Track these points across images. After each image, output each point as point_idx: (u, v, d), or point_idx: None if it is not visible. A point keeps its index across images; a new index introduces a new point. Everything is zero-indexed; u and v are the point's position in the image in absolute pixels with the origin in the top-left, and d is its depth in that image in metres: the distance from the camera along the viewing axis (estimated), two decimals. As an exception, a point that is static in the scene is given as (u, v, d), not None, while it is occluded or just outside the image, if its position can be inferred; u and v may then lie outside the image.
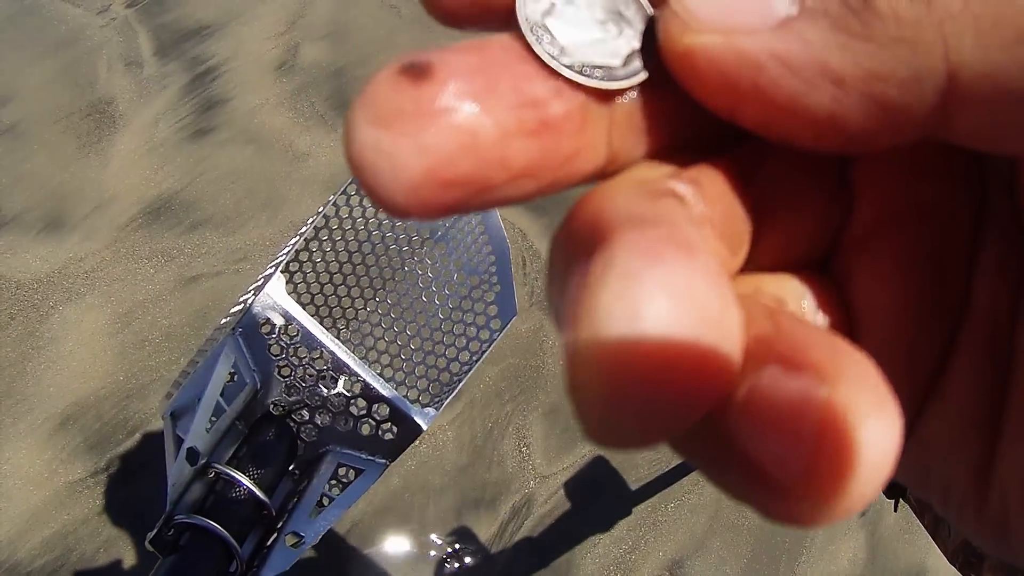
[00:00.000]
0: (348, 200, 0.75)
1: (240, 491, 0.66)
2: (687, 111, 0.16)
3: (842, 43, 0.13)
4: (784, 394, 0.13)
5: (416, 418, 0.72)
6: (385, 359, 0.75)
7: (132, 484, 1.64)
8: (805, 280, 0.18)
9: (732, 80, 0.14)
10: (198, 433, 0.65)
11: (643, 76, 0.16)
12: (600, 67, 0.15)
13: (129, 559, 1.58)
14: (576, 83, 0.15)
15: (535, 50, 0.15)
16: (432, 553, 1.70)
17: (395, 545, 1.69)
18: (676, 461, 1.88)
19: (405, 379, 0.74)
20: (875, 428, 0.12)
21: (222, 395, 0.68)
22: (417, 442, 1.73)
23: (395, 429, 0.72)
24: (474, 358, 0.73)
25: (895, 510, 1.52)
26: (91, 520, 1.60)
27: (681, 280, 0.12)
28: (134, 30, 2.13)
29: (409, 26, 2.25)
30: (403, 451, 0.72)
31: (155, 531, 0.62)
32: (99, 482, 1.63)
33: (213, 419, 0.67)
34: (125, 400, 1.70)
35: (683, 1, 0.15)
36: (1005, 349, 0.17)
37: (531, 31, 0.15)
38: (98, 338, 1.75)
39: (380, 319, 0.76)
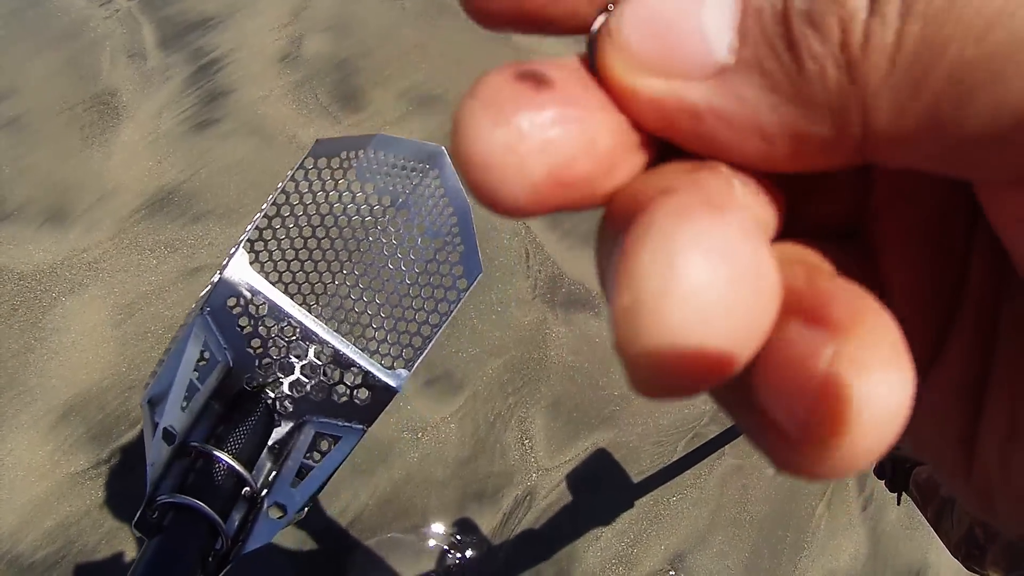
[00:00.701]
0: (307, 175, 0.76)
1: (220, 468, 0.66)
2: None
3: (772, 104, 0.15)
4: (796, 349, 0.13)
5: (388, 380, 0.72)
6: (356, 328, 0.75)
7: (134, 475, 1.64)
8: (838, 246, 0.18)
9: (672, 122, 0.16)
10: (172, 413, 0.65)
11: None
12: None
13: (131, 550, 1.58)
14: None
15: None
16: (434, 545, 1.70)
17: (398, 537, 1.69)
18: (678, 455, 1.89)
19: (378, 346, 0.75)
20: (880, 383, 0.13)
21: (197, 376, 0.69)
22: (418, 435, 1.73)
23: (369, 394, 0.72)
24: (443, 319, 0.74)
25: (898, 503, 1.52)
26: (93, 511, 1.60)
27: (714, 236, 0.13)
28: (137, 22, 2.13)
29: (413, 19, 2.25)
30: (379, 415, 0.72)
31: (138, 514, 0.62)
32: (101, 473, 1.64)
33: (188, 399, 0.67)
34: (127, 391, 1.70)
35: (623, 33, 0.16)
36: (991, 328, 0.18)
37: None
38: (101, 329, 1.75)
39: (348, 289, 0.76)
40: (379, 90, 2.12)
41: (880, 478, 1.52)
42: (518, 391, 1.85)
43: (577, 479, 1.81)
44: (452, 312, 0.73)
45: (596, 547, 1.78)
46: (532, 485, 1.79)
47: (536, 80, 0.15)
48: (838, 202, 0.19)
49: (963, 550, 1.17)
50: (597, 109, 0.15)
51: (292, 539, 1.65)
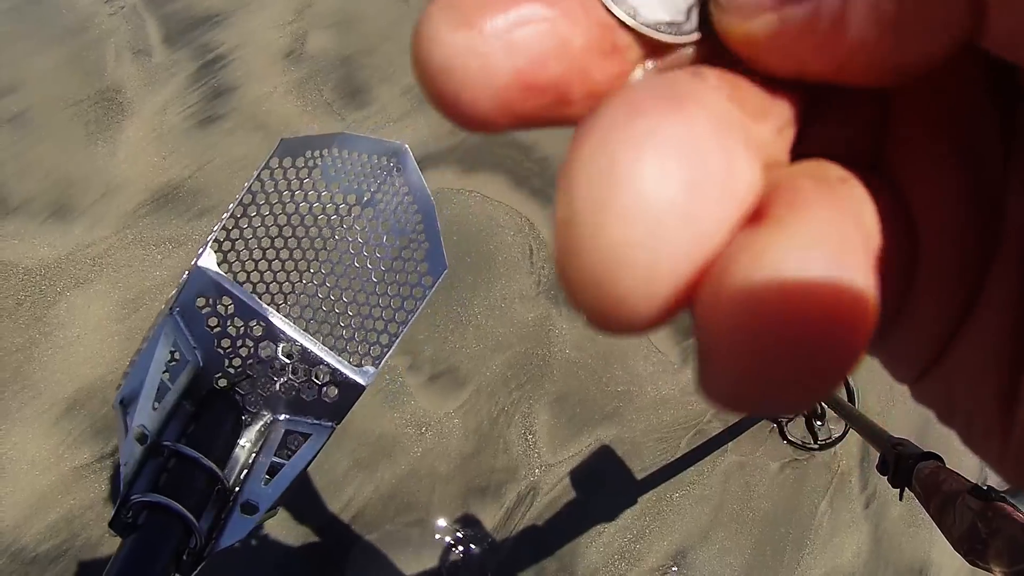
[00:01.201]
0: (272, 174, 0.76)
1: (193, 466, 0.67)
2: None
3: None
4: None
5: (355, 377, 0.73)
6: (325, 326, 0.76)
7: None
8: (864, 173, 0.17)
9: (792, 48, 0.15)
10: (144, 412, 0.66)
11: (697, 35, 0.16)
12: (670, 23, 0.16)
13: (134, 544, 1.58)
14: (650, 38, 0.16)
15: (613, 11, 0.15)
16: (437, 539, 1.70)
17: (401, 531, 1.69)
18: (681, 451, 1.89)
19: (346, 344, 0.76)
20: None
21: (168, 376, 0.69)
22: (422, 430, 1.73)
23: (337, 391, 0.73)
24: (410, 316, 0.75)
25: (900, 499, 1.52)
26: (96, 505, 1.61)
27: (670, 133, 0.12)
28: (142, 18, 2.13)
29: (417, 15, 2.24)
30: (347, 412, 0.74)
31: (113, 514, 0.62)
32: (105, 467, 1.64)
33: (160, 399, 0.68)
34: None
35: None
36: None
37: None
38: (105, 324, 1.75)
39: (316, 288, 0.77)
40: (383, 87, 2.12)
41: (883, 474, 1.52)
42: (522, 387, 1.85)
43: (580, 475, 1.81)
44: (418, 308, 0.74)
45: (599, 543, 1.78)
46: (535, 481, 1.79)
47: None
48: (857, 125, 0.18)
49: (965, 545, 1.17)
50: (570, 7, 0.14)
51: (295, 533, 1.65)
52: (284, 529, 1.64)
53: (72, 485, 1.61)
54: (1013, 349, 0.17)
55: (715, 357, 0.12)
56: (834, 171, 0.16)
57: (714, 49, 0.16)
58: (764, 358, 0.12)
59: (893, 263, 0.16)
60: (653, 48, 0.16)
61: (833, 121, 0.17)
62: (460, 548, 1.71)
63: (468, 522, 1.73)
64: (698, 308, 0.12)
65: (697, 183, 0.12)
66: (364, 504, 1.69)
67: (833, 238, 0.12)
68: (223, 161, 1.96)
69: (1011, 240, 0.17)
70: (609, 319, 0.12)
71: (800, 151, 0.17)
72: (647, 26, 0.16)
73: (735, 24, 0.15)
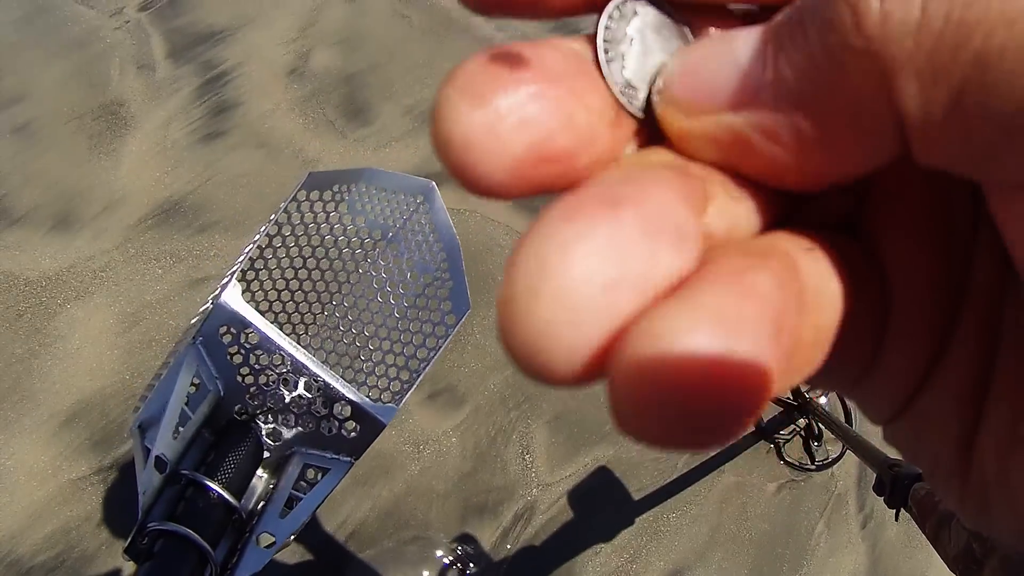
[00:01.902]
0: (299, 207, 0.77)
1: (210, 496, 0.68)
2: None
3: (804, 106, 0.15)
4: None
5: (377, 415, 0.73)
6: (345, 360, 0.77)
7: (135, 483, 1.64)
8: (842, 238, 0.18)
9: (725, 152, 0.16)
10: (165, 441, 0.66)
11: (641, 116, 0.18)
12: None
13: (130, 558, 1.58)
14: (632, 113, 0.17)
15: (629, 110, 0.17)
16: (435, 557, 1.70)
17: (398, 549, 1.69)
18: (678, 472, 1.89)
19: (366, 379, 0.76)
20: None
21: (188, 404, 0.70)
22: (420, 448, 1.73)
23: (357, 427, 0.74)
24: (431, 354, 0.75)
25: (896, 519, 1.52)
26: (93, 517, 1.60)
27: (598, 237, 0.13)
28: (147, 33, 2.14)
29: (420, 35, 2.26)
30: (366, 448, 0.74)
31: (129, 540, 0.63)
32: (103, 480, 1.64)
33: (179, 428, 0.68)
34: (131, 399, 1.70)
35: (669, 86, 0.17)
36: (996, 326, 0.18)
37: (621, 93, 0.17)
38: (105, 337, 1.75)
39: (338, 321, 0.77)
40: (386, 105, 2.13)
41: (879, 494, 1.52)
42: (519, 406, 1.85)
43: (577, 494, 1.81)
44: (441, 348, 0.75)
45: (596, 562, 1.78)
46: (532, 500, 1.79)
47: (511, 62, 0.15)
48: (839, 196, 0.19)
49: (960, 565, 1.17)
50: (573, 85, 0.16)
51: (291, 550, 1.64)
52: (281, 545, 1.64)
53: (70, 497, 1.61)
54: (973, 400, 0.18)
55: (618, 413, 0.14)
56: (789, 242, 0.17)
57: None
58: (651, 419, 0.13)
59: (861, 321, 0.18)
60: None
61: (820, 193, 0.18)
62: (457, 566, 1.70)
63: (465, 540, 1.73)
64: (607, 373, 0.14)
65: (614, 278, 0.13)
66: (361, 521, 1.69)
67: (723, 312, 0.13)
68: (225, 177, 1.96)
69: (977, 296, 0.18)
70: (541, 378, 0.14)
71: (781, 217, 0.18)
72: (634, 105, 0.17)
73: (673, 118, 0.17)
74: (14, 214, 1.84)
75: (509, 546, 1.74)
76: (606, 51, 0.17)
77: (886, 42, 0.13)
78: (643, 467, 1.87)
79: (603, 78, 0.17)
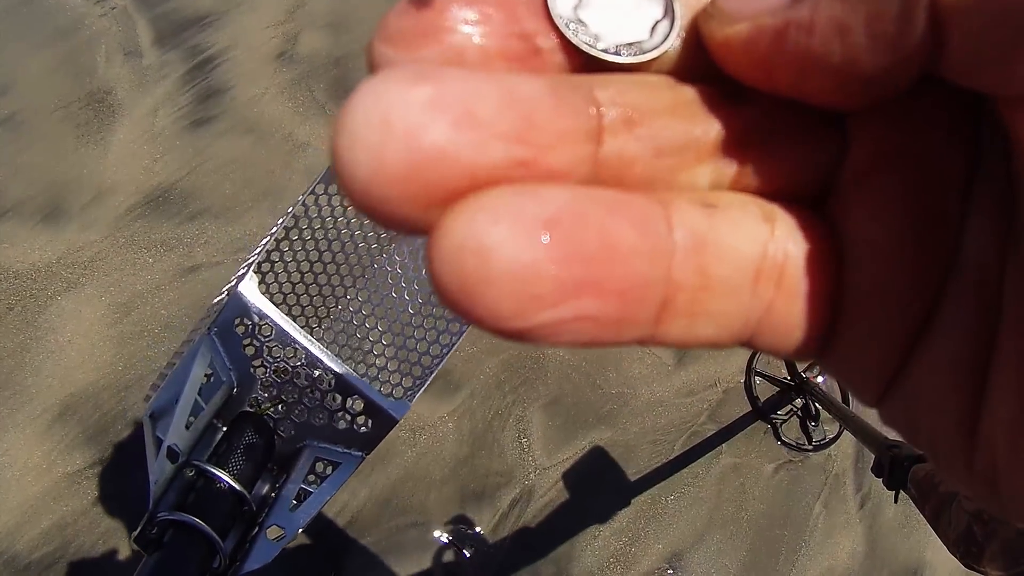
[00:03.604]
0: (317, 200, 0.77)
1: (220, 487, 0.68)
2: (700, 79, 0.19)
3: None
4: None
5: (390, 410, 0.74)
6: (359, 354, 0.77)
7: (131, 475, 1.64)
8: (795, 210, 0.19)
9: (764, 53, 0.17)
10: (177, 432, 0.66)
11: (669, 44, 0.18)
12: (631, 44, 0.17)
13: (127, 550, 1.58)
14: (613, 63, 0.17)
15: (573, 41, 0.17)
16: (433, 543, 1.70)
17: (395, 535, 1.69)
18: (676, 453, 1.89)
19: (379, 373, 0.76)
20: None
21: (200, 395, 0.70)
22: (416, 433, 1.73)
23: (370, 422, 0.74)
24: (445, 351, 0.76)
25: (895, 501, 1.52)
26: (89, 511, 1.60)
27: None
28: (132, 19, 2.12)
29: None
30: (378, 443, 0.74)
31: (139, 529, 0.63)
32: (98, 473, 1.63)
33: (191, 418, 0.68)
34: (124, 391, 1.69)
35: (717, 3, 0.17)
36: (994, 300, 0.18)
37: (567, 26, 0.17)
38: (97, 328, 1.74)
39: (352, 315, 0.77)
40: (376, 88, 2.11)
41: (877, 476, 1.52)
42: (516, 390, 1.85)
43: (575, 478, 1.81)
44: (454, 344, 0.76)
45: (594, 546, 1.78)
46: (530, 484, 1.79)
47: (424, 3, 0.16)
48: (795, 168, 0.19)
49: (961, 547, 1.17)
50: (478, 23, 0.17)
51: (289, 538, 1.64)
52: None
53: (65, 492, 1.61)
54: (971, 374, 0.18)
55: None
56: (685, 195, 0.18)
57: (684, 62, 0.18)
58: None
59: (815, 290, 0.18)
60: (616, 68, 0.18)
61: (784, 160, 0.19)
62: (455, 552, 1.71)
63: (463, 525, 1.73)
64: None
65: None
66: (359, 508, 1.69)
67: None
68: (214, 164, 1.95)
69: (967, 266, 0.18)
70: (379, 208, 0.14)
71: (746, 186, 0.19)
72: (608, 52, 0.17)
73: (716, 29, 0.17)
74: (2, 206, 1.83)
75: (507, 530, 1.75)
76: (567, 26, 0.17)
77: None
78: (640, 449, 1.87)
79: (544, 5, 0.17)
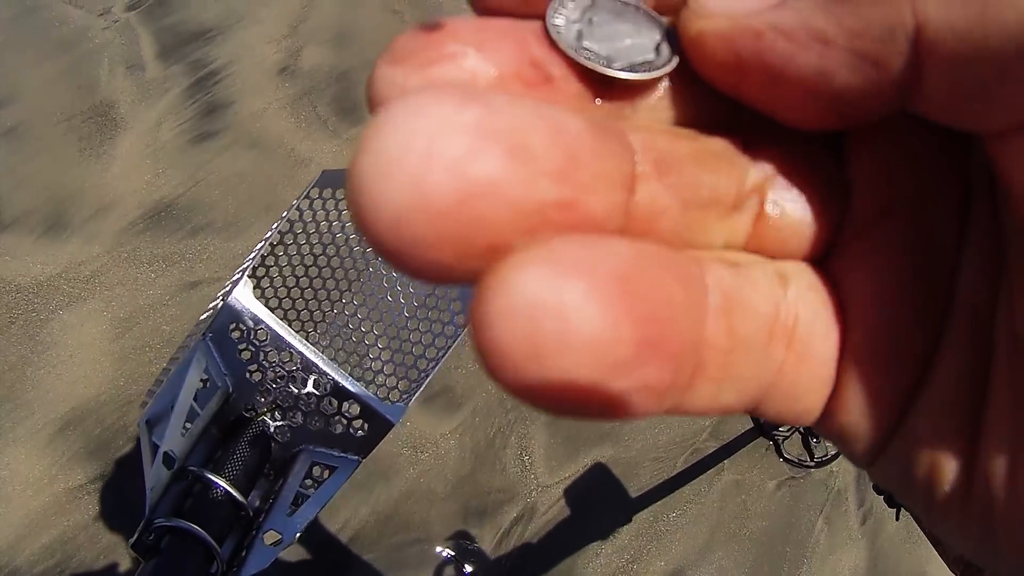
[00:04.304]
0: (311, 204, 0.77)
1: (217, 493, 0.68)
2: (700, 105, 0.18)
3: (826, 8, 0.15)
4: None
5: (386, 414, 0.74)
6: (354, 358, 0.77)
7: (132, 490, 1.64)
8: (803, 270, 0.19)
9: (736, 52, 0.16)
10: (173, 438, 0.66)
11: (676, 61, 0.18)
12: (643, 63, 0.17)
13: (128, 564, 1.58)
14: (634, 80, 0.17)
15: (587, 65, 0.17)
16: (434, 560, 1.70)
17: (397, 552, 1.68)
18: (677, 470, 1.89)
19: (375, 377, 0.76)
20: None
21: (196, 400, 0.70)
22: (418, 451, 1.73)
23: (366, 426, 0.74)
24: (440, 353, 0.75)
25: (897, 518, 1.52)
26: (90, 526, 1.60)
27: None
28: (136, 33, 2.12)
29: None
30: (375, 447, 0.74)
31: (136, 535, 0.63)
32: (99, 488, 1.63)
33: (187, 424, 0.68)
34: (125, 406, 1.69)
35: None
36: (987, 340, 0.17)
37: (575, 52, 0.17)
38: (99, 343, 1.74)
39: (348, 319, 0.78)
40: (378, 102, 2.11)
41: (879, 494, 1.52)
42: (517, 407, 1.84)
43: (577, 495, 1.81)
44: (450, 347, 0.75)
45: (596, 563, 1.78)
46: (532, 501, 1.79)
47: (435, 28, 0.16)
48: (803, 227, 0.19)
49: (961, 566, 1.17)
50: (488, 50, 0.16)
51: (292, 553, 1.64)
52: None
53: (66, 506, 1.60)
54: (969, 415, 0.17)
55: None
56: (710, 253, 0.17)
57: (678, 88, 0.18)
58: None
59: (822, 352, 0.18)
60: (629, 91, 0.17)
61: (796, 218, 0.19)
62: (456, 569, 1.70)
63: (465, 543, 1.73)
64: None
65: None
66: (361, 524, 1.69)
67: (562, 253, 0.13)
68: (217, 178, 1.95)
69: (961, 309, 0.18)
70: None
71: (759, 245, 0.18)
72: (624, 70, 0.17)
73: (692, 21, 0.17)
74: (4, 219, 1.83)
75: (509, 547, 1.74)
76: (556, 23, 0.17)
77: None
78: (642, 467, 1.87)
79: (548, 35, 0.17)
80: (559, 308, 0.12)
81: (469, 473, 1.78)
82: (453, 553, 1.71)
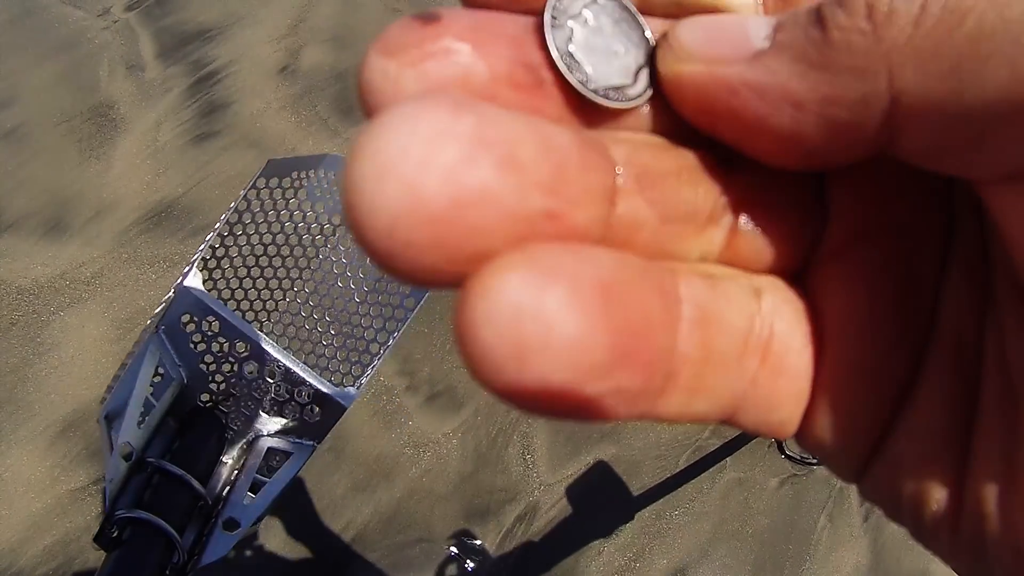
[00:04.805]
0: (259, 194, 0.78)
1: (176, 483, 0.68)
2: (680, 121, 0.18)
3: (802, 72, 0.15)
4: None
5: (337, 398, 0.75)
6: (307, 345, 0.78)
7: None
8: (778, 285, 0.19)
9: (711, 101, 0.16)
10: (129, 430, 0.67)
11: (649, 94, 0.18)
12: (617, 88, 0.17)
13: (131, 566, 1.57)
14: (600, 105, 0.17)
15: (568, 79, 0.17)
16: (437, 559, 1.70)
17: (400, 551, 1.68)
18: (680, 468, 1.89)
19: (328, 363, 0.77)
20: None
21: (152, 393, 0.71)
22: (420, 450, 1.72)
23: (319, 411, 0.75)
24: (391, 337, 0.76)
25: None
26: (93, 528, 1.58)
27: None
28: (135, 33, 2.12)
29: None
30: (329, 431, 0.75)
31: (98, 529, 0.64)
32: (101, 490, 1.62)
33: (143, 417, 0.69)
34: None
35: (676, 35, 0.17)
36: (973, 366, 0.18)
37: (562, 60, 0.17)
38: (100, 344, 1.74)
39: (299, 307, 0.79)
40: (378, 101, 2.11)
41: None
42: (519, 406, 1.84)
43: (579, 493, 1.81)
44: (400, 330, 0.76)
45: (598, 561, 1.78)
46: (534, 500, 1.79)
47: (429, 19, 0.16)
48: (778, 244, 0.19)
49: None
50: (483, 46, 0.16)
51: (295, 553, 1.64)
52: (284, 549, 1.63)
53: (68, 508, 1.60)
54: (954, 439, 0.18)
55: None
56: (684, 265, 0.18)
57: (658, 105, 0.18)
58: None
59: (797, 366, 0.18)
60: (604, 114, 0.18)
61: (771, 234, 0.19)
62: (459, 568, 1.70)
63: (468, 541, 1.73)
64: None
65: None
66: (364, 524, 1.69)
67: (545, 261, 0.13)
68: (217, 179, 1.95)
69: (945, 333, 0.18)
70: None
71: (733, 258, 0.19)
72: (597, 93, 0.17)
73: (670, 62, 0.17)
74: (4, 221, 1.83)
75: (512, 546, 1.74)
76: (554, 18, 0.17)
77: (891, 27, 0.14)
78: (644, 465, 1.87)
79: (542, 37, 0.17)
80: (541, 312, 0.13)
81: (471, 472, 1.78)
82: (456, 552, 1.71)
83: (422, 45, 0.15)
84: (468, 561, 1.71)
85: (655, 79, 0.18)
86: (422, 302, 0.75)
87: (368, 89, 0.15)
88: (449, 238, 0.13)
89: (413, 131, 0.13)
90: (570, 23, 0.17)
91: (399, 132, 0.13)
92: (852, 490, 1.99)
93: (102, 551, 0.64)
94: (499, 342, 0.13)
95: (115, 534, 0.64)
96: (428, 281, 0.13)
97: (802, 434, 0.19)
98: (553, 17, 0.17)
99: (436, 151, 0.12)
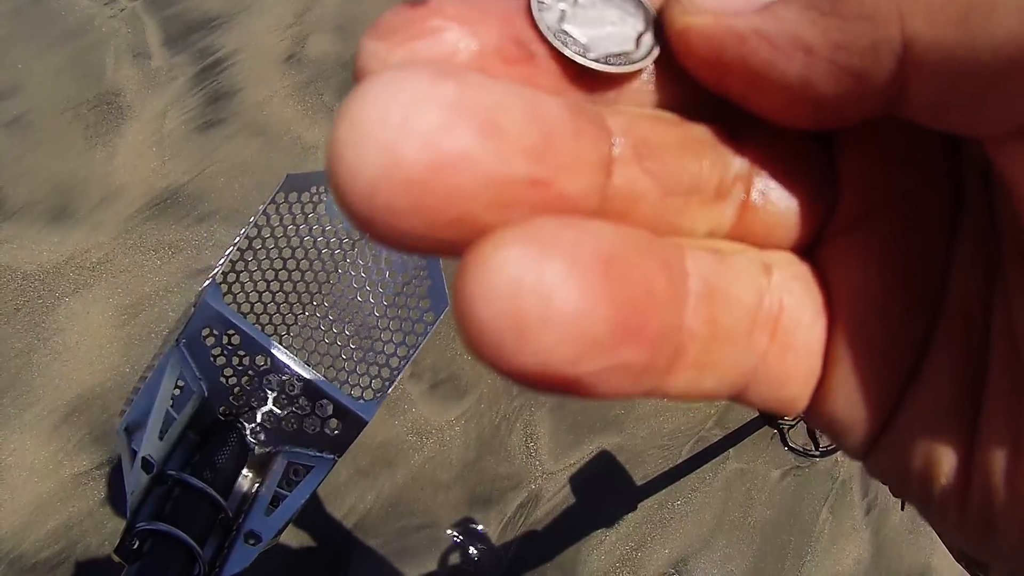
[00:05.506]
0: (278, 208, 0.78)
1: (196, 495, 0.69)
2: (686, 91, 0.18)
3: (812, 19, 0.15)
4: None
5: (358, 412, 0.75)
6: (327, 359, 0.78)
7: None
8: (789, 260, 0.19)
9: (720, 51, 0.16)
10: (151, 442, 0.68)
11: (655, 54, 0.18)
12: (619, 54, 0.17)
13: (133, 551, 1.58)
14: (605, 72, 0.17)
15: (563, 52, 0.17)
16: (439, 546, 1.70)
17: (402, 538, 1.69)
18: (682, 459, 1.89)
19: (348, 377, 0.77)
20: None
21: (172, 406, 0.71)
22: (423, 437, 1.73)
23: (340, 425, 0.75)
24: (411, 351, 0.76)
25: (902, 508, 1.52)
26: (96, 512, 1.60)
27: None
28: (142, 21, 2.12)
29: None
30: (349, 445, 0.75)
31: (119, 541, 0.64)
32: (105, 474, 1.63)
33: (165, 429, 0.70)
34: (131, 393, 1.69)
35: None
36: (982, 339, 0.18)
37: (555, 36, 0.17)
38: (104, 330, 1.74)
39: (319, 321, 0.79)
40: (384, 91, 2.11)
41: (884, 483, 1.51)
42: (523, 394, 1.84)
43: (581, 482, 1.81)
44: (420, 344, 0.76)
45: (600, 550, 1.78)
46: (537, 488, 1.79)
47: (419, 3, 0.16)
48: (789, 218, 0.19)
49: (967, 558, 1.17)
50: (472, 24, 0.16)
51: (298, 540, 1.64)
52: (286, 536, 1.63)
53: (71, 492, 1.61)
54: (962, 413, 0.18)
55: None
56: (691, 241, 0.17)
57: (663, 74, 0.18)
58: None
59: (807, 342, 0.18)
60: (606, 82, 0.17)
61: (782, 208, 0.19)
62: (462, 554, 1.71)
63: (470, 529, 1.73)
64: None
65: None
66: (366, 511, 1.69)
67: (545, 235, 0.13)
68: (223, 166, 1.95)
69: (954, 306, 0.18)
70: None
71: (743, 233, 0.19)
72: (599, 61, 0.17)
73: (678, 15, 0.17)
74: (10, 207, 1.83)
75: (514, 534, 1.74)
76: (541, 1, 0.17)
77: None
78: (647, 454, 1.87)
79: (531, 16, 0.17)
80: (541, 286, 0.13)
81: (474, 460, 1.78)
82: (458, 539, 1.71)
83: (410, 26, 0.15)
84: (471, 548, 1.71)
85: (661, 41, 0.18)
86: (442, 316, 0.75)
87: (361, 74, 0.15)
88: (428, 202, 0.13)
89: (394, 97, 0.13)
90: (560, 5, 0.17)
91: (379, 98, 0.13)
92: (854, 483, 1.99)
93: (122, 562, 0.65)
94: (497, 317, 0.13)
95: (135, 546, 0.65)
96: (412, 247, 0.14)
97: (812, 410, 0.19)
98: (540, 1, 0.17)
99: (415, 116, 0.13)
